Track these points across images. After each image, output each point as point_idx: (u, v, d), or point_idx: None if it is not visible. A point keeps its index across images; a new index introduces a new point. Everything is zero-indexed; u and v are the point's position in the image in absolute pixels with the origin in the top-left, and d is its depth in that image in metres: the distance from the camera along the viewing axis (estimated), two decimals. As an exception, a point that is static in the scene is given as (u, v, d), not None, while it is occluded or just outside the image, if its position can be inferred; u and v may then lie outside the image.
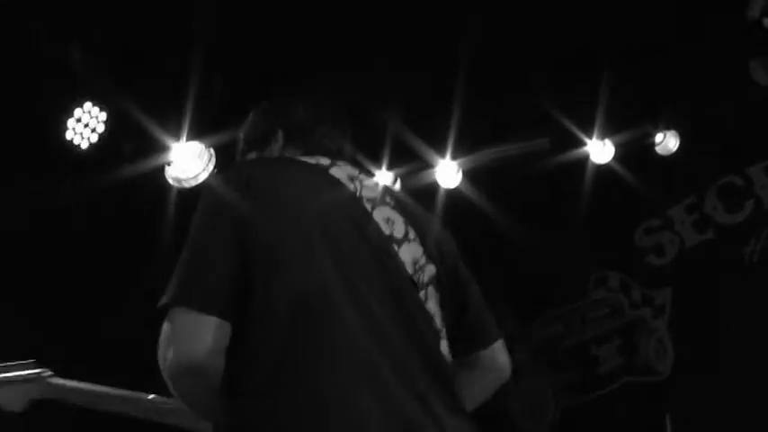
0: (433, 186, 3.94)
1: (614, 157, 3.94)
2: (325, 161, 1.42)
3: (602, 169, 3.98)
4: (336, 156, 1.45)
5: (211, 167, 3.44)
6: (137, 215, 3.46)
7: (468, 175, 3.88)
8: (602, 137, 3.89)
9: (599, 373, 4.70)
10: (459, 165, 3.86)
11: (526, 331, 5.03)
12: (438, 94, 3.44)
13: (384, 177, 3.86)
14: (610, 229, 4.59)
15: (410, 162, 3.82)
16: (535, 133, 3.79)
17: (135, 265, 3.35)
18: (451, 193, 3.96)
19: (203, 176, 3.45)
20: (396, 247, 1.34)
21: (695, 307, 4.34)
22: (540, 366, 4.96)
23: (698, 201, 4.36)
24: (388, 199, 1.41)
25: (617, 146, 3.90)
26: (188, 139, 3.34)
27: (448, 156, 3.82)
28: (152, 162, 3.36)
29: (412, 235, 1.38)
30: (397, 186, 3.88)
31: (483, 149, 3.79)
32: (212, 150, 3.41)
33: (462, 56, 3.38)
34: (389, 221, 1.36)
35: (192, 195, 3.50)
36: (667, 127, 3.94)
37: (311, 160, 1.41)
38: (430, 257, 1.38)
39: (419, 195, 4.05)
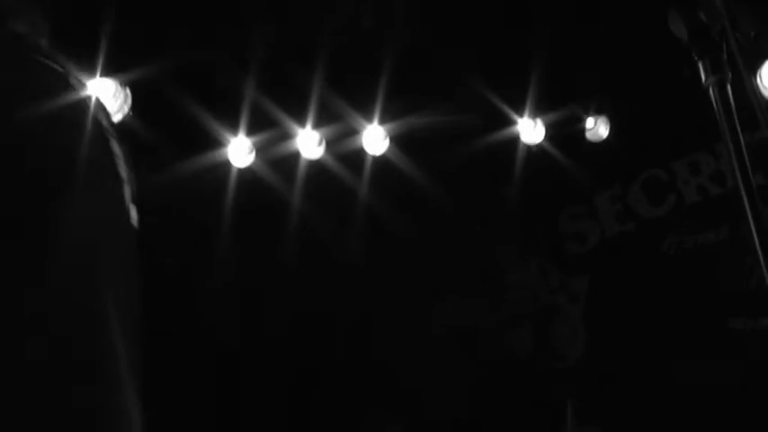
0: (360, 153, 3.90)
1: (545, 139, 3.95)
2: None
3: (531, 149, 3.99)
4: None
5: (127, 108, 3.31)
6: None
7: (396, 142, 3.85)
8: (534, 116, 3.89)
9: (510, 357, 4.73)
10: (387, 131, 3.81)
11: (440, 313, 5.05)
12: (366, 59, 3.39)
13: (309, 138, 3.79)
14: (534, 211, 4.62)
15: (336, 125, 3.76)
16: (466, 108, 3.78)
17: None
18: (378, 160, 3.92)
19: (118, 117, 3.32)
20: None
21: (611, 296, 4.39)
22: (453, 347, 4.98)
23: (622, 191, 4.41)
24: None
25: (548, 127, 3.91)
26: (102, 76, 3.21)
27: (375, 121, 3.77)
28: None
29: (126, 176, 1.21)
30: (323, 150, 3.82)
31: (412, 117, 3.75)
32: (128, 90, 3.28)
33: (397, 23, 3.34)
34: None
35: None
36: (598, 113, 3.96)
37: None
38: None
39: (346, 161, 4.06)
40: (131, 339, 0.90)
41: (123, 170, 1.11)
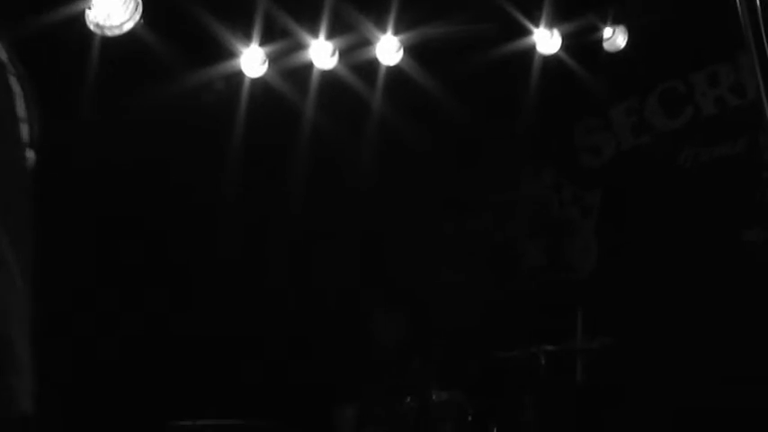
0: (374, 63, 3.85)
1: (561, 49, 3.89)
2: None
3: (548, 60, 3.92)
4: None
5: (138, 17, 3.27)
6: (55, 68, 3.28)
7: (410, 52, 3.79)
8: (550, 26, 3.82)
9: (522, 269, 4.77)
10: (401, 41, 3.76)
11: (459, 225, 5.09)
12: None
13: (323, 48, 3.74)
14: (550, 123, 4.56)
15: (350, 35, 3.71)
16: (481, 17, 3.70)
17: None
18: (392, 71, 3.88)
19: (128, 26, 3.28)
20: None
21: (624, 210, 4.38)
22: (463, 261, 5.03)
23: (639, 103, 4.35)
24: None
25: (564, 37, 3.84)
26: (112, -17, 3.14)
27: (389, 31, 3.71)
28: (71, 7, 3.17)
29: (24, 115, 1.18)
30: (336, 61, 3.77)
31: (426, 27, 3.69)
32: (140, -1, 3.22)
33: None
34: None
35: (117, 45, 3.33)
36: (616, 22, 3.88)
37: None
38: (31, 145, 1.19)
39: (359, 72, 4.01)
40: (23, 257, 1.07)
41: (22, 109, 1.10)
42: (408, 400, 3.18)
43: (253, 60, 3.70)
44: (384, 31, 3.71)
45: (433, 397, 3.20)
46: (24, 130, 1.15)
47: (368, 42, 3.77)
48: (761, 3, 1.09)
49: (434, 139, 4.61)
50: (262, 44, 3.67)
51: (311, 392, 3.99)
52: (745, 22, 1.10)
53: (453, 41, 3.78)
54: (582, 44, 3.95)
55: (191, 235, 4.43)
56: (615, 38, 3.92)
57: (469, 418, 3.14)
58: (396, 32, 3.72)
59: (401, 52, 3.78)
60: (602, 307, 4.07)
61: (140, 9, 3.23)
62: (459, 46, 3.82)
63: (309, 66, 3.77)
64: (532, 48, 3.91)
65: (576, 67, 4.02)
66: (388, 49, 3.77)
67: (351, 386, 3.70)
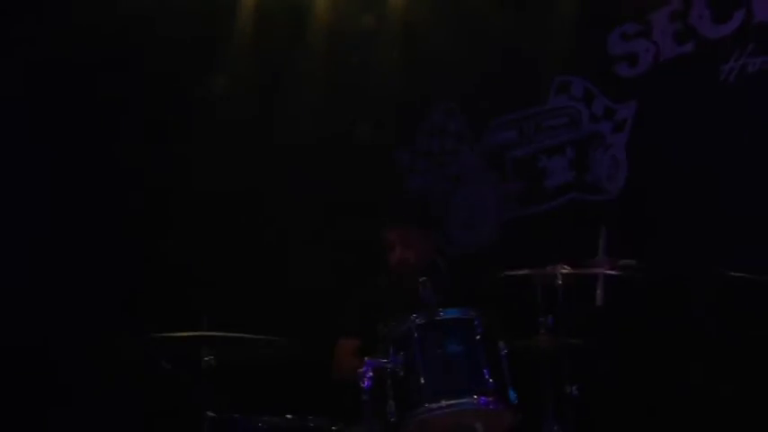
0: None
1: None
2: None
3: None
4: None
5: None
6: None
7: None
8: None
9: (546, 186, 4.58)
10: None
11: (475, 134, 4.90)
12: None
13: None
14: (582, 30, 4.31)
15: None
16: None
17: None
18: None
19: None
20: None
21: (659, 126, 4.13)
22: (484, 173, 4.86)
23: (684, 7, 4.06)
24: None
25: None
26: None
27: None
28: None
29: None
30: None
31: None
32: None
33: None
34: None
35: None
36: None
37: None
38: None
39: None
40: None
41: None
42: (413, 317, 3.03)
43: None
44: None
45: (440, 314, 3.05)
46: None
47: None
48: None
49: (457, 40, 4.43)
50: None
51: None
52: None
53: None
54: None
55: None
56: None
57: (477, 337, 2.99)
58: None
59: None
60: (629, 229, 3.89)
61: None
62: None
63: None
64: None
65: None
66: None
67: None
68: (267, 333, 3.21)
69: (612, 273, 3.43)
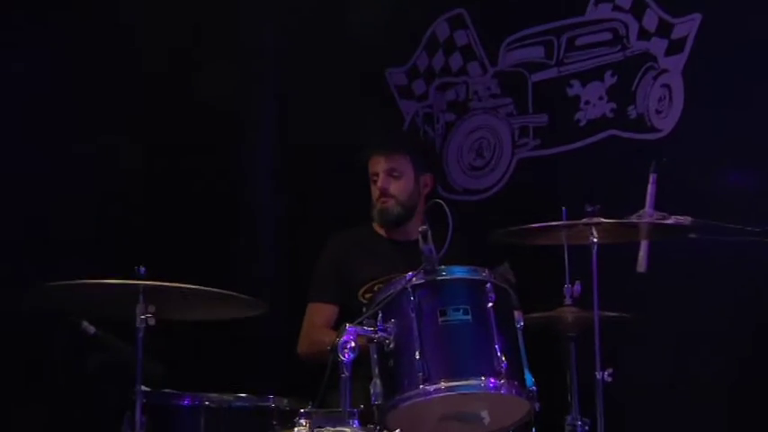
0: None
1: None
2: None
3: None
4: None
5: None
6: None
7: None
8: None
9: (577, 120, 4.67)
10: None
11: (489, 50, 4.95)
12: None
13: None
14: None
15: None
16: None
17: None
18: None
19: None
20: None
21: (725, 44, 4.22)
22: (498, 100, 4.92)
23: None
24: None
25: None
26: None
27: None
28: None
29: None
30: None
31: None
32: None
33: None
34: None
35: None
36: None
37: None
38: None
39: None
40: None
41: None
42: (409, 275, 3.15)
43: None
44: None
45: (443, 273, 3.14)
46: None
47: None
48: None
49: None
50: None
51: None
52: None
53: None
54: None
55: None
56: None
57: (489, 305, 3.10)
58: None
59: None
60: (683, 178, 3.99)
61: None
62: None
63: None
64: None
65: None
66: None
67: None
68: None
69: (661, 231, 3.53)
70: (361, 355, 3.00)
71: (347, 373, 2.95)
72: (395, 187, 4.06)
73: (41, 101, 4.51)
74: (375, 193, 4.10)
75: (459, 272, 3.18)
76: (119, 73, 4.75)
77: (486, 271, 3.19)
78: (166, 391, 3.34)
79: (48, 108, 4.54)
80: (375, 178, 4.11)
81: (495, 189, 4.91)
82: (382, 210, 4.08)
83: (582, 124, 4.66)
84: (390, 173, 4.07)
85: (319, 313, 4.05)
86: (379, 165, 4.10)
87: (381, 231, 4.17)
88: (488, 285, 3.13)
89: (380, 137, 4.28)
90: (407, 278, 3.11)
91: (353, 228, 4.27)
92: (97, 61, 4.69)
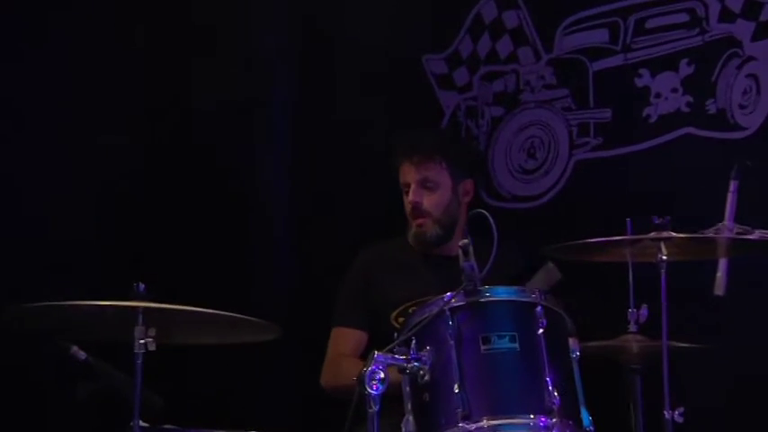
0: None
1: None
2: None
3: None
4: None
5: None
6: None
7: None
8: None
9: (647, 115, 4.68)
10: None
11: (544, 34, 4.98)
12: None
13: None
14: None
15: None
16: None
17: None
18: None
19: None
20: None
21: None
22: (554, 91, 4.95)
23: None
24: None
25: None
26: None
27: None
28: None
29: None
30: None
31: None
32: None
33: None
34: None
35: None
36: None
37: None
38: None
39: None
40: None
41: None
42: (447, 296, 3.20)
43: None
44: None
45: (487, 294, 3.19)
46: None
47: None
48: None
49: None
50: None
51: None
52: None
53: None
54: None
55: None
56: None
57: (540, 331, 3.15)
58: None
59: None
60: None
61: None
62: None
63: None
64: None
65: None
66: None
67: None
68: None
69: (742, 247, 3.56)
70: (392, 388, 3.03)
71: (375, 408, 2.99)
72: (429, 201, 4.08)
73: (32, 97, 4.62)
74: (408, 207, 4.13)
75: (504, 293, 3.21)
76: (118, 69, 4.84)
77: (537, 292, 3.23)
78: (167, 427, 3.38)
79: (39, 106, 4.64)
80: (406, 189, 4.13)
81: (548, 196, 4.94)
82: (418, 234, 4.11)
83: (652, 121, 4.68)
84: (423, 184, 4.09)
85: (345, 340, 4.10)
86: (410, 174, 4.12)
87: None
88: (539, 309, 3.15)
89: (411, 139, 4.25)
90: (445, 299, 3.14)
91: (386, 241, 4.31)
92: (97, 59, 4.79)
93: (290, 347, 4.11)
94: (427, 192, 4.08)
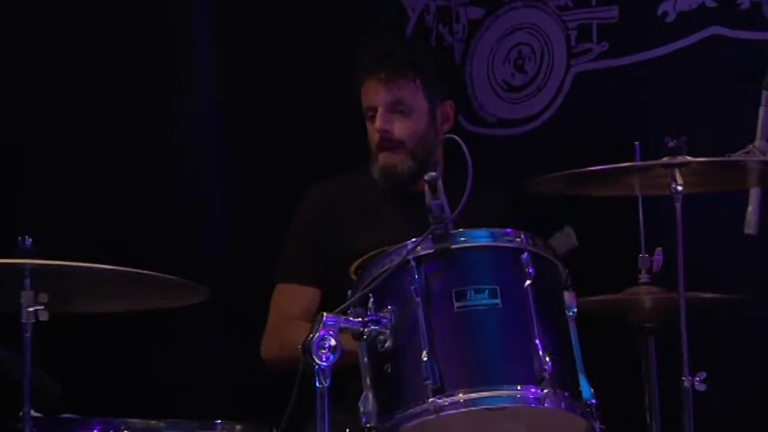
0: None
1: None
2: None
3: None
4: None
5: None
6: None
7: None
8: None
9: (663, 13, 4.75)
10: None
11: None
12: None
13: None
14: None
15: None
16: None
17: None
18: None
19: None
20: None
21: None
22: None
23: None
24: None
25: None
26: None
27: None
28: None
29: None
30: None
31: None
32: None
33: None
34: None
35: None
36: None
37: None
38: None
39: None
40: None
41: None
42: (412, 242, 3.22)
43: None
44: None
45: (461, 239, 3.22)
46: None
47: None
48: None
49: None
50: None
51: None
52: None
53: None
54: None
55: None
56: None
57: (527, 283, 3.17)
58: None
59: None
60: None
61: None
62: None
63: None
64: None
65: None
66: None
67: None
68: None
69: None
70: (347, 358, 3.08)
71: (325, 384, 3.03)
72: (401, 128, 4.09)
73: None
74: (373, 137, 4.13)
75: (482, 237, 3.25)
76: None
77: (523, 236, 3.24)
78: (66, 416, 3.42)
79: None
80: (371, 114, 4.13)
81: (542, 119, 5.01)
82: (386, 169, 4.12)
83: (669, 20, 4.75)
84: (394, 107, 4.10)
85: (293, 299, 4.13)
86: (376, 95, 4.12)
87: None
88: (525, 256, 3.18)
89: (377, 50, 4.24)
90: (409, 247, 3.16)
91: (345, 175, 4.35)
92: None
93: (220, 313, 4.12)
94: (399, 117, 4.10)
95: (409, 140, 4.09)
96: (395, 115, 4.09)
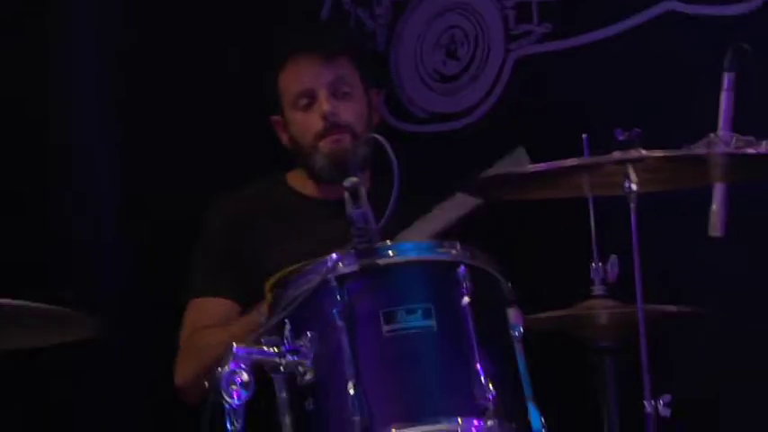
0: None
1: None
2: None
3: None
4: None
5: None
6: None
7: None
8: None
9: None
10: None
11: None
12: None
13: None
14: None
15: None
16: None
17: None
18: None
19: None
20: None
21: None
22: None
23: None
24: None
25: None
26: None
27: None
28: None
29: None
30: None
31: None
32: None
33: None
34: None
35: None
36: None
37: None
38: None
39: None
40: None
41: None
42: (333, 258, 3.25)
43: None
44: None
45: (389, 252, 3.27)
46: None
47: None
48: None
49: None
50: None
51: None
52: None
53: None
54: None
55: None
56: None
57: (465, 301, 3.20)
58: None
59: None
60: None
61: None
62: None
63: None
64: None
65: None
66: None
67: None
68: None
69: (745, 167, 3.67)
70: (263, 394, 3.12)
71: (237, 426, 3.06)
72: (347, 111, 4.15)
73: None
74: (313, 124, 4.15)
75: (413, 250, 3.30)
76: None
77: (459, 247, 3.28)
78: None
79: None
80: (305, 101, 4.16)
81: (479, 111, 5.05)
82: (335, 154, 4.11)
83: (619, -4, 4.77)
84: (336, 89, 4.15)
85: (206, 311, 4.16)
86: (316, 76, 4.15)
87: (304, 188, 4.28)
88: (462, 270, 3.21)
89: (311, 28, 4.37)
90: (329, 264, 3.19)
91: (257, 183, 4.38)
92: None
93: (123, 346, 4.12)
94: (342, 100, 4.15)
95: (357, 124, 4.15)
96: (337, 99, 4.13)
